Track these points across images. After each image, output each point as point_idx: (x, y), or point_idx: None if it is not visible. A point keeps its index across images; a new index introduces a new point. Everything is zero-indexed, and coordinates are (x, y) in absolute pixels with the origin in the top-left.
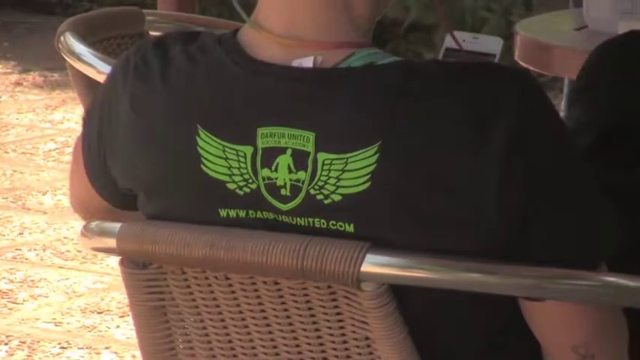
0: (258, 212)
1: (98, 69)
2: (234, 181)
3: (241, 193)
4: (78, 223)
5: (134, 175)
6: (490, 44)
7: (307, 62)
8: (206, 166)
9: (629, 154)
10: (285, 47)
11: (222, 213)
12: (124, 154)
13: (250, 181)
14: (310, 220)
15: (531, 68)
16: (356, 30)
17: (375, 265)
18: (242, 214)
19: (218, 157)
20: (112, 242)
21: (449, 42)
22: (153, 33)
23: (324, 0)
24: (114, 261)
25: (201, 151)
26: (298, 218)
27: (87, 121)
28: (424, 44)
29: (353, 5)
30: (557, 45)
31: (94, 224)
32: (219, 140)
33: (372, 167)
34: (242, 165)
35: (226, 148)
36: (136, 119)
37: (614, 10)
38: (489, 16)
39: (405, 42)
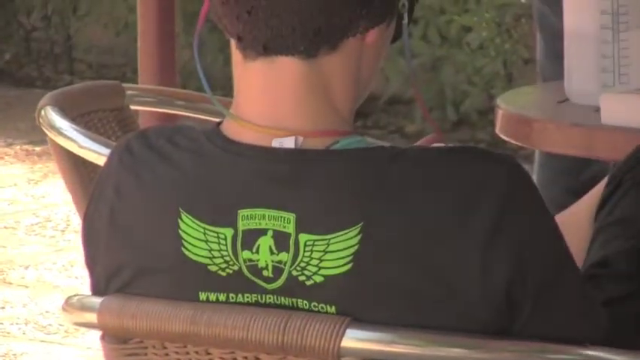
0: (239, 295)
1: (79, 143)
2: (215, 264)
3: (224, 274)
4: (60, 297)
5: (114, 259)
6: None
7: (288, 142)
8: (187, 249)
9: None
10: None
11: (202, 296)
12: (103, 239)
13: (231, 263)
14: (293, 300)
15: (512, 141)
16: (338, 118)
17: (355, 339)
18: (222, 297)
19: (199, 240)
20: (92, 317)
21: None
22: (133, 107)
23: (304, 90)
24: (96, 335)
25: (182, 234)
26: (282, 298)
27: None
28: (405, 117)
29: (334, 94)
30: (538, 118)
31: (75, 299)
32: (200, 223)
33: (355, 248)
34: (222, 247)
35: (207, 231)
36: (119, 204)
37: (596, 84)
38: (471, 90)
39: (386, 115)
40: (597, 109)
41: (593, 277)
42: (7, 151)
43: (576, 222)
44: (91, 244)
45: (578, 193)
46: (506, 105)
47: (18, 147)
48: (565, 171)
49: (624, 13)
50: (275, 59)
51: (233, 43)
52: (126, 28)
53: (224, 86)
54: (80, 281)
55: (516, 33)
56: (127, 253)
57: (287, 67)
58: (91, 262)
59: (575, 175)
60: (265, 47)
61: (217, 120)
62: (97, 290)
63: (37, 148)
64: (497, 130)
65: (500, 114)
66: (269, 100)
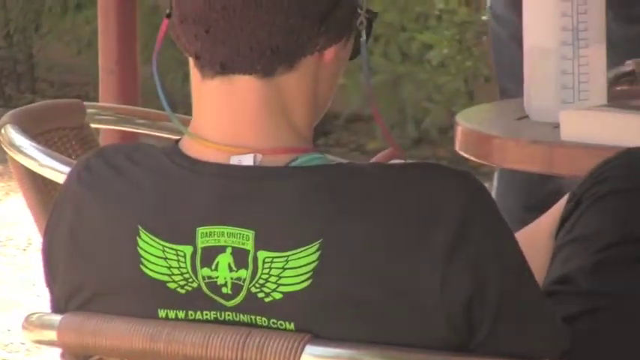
0: (198, 312)
1: (39, 161)
2: (174, 281)
3: (183, 291)
4: (22, 315)
5: (73, 277)
6: None
7: (247, 160)
8: (145, 267)
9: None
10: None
11: (162, 314)
12: (63, 257)
13: (190, 280)
14: (252, 317)
15: (472, 158)
16: (296, 136)
17: (314, 356)
18: (181, 314)
19: (158, 258)
20: (52, 335)
21: None
22: (93, 125)
23: (262, 109)
24: (58, 352)
25: (141, 252)
26: (241, 315)
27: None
28: (366, 134)
29: (292, 112)
30: (497, 135)
31: (35, 316)
32: (158, 240)
33: (314, 265)
34: (182, 265)
35: (166, 248)
36: (78, 222)
37: (555, 100)
38: (431, 107)
39: (347, 132)
40: (557, 126)
41: (553, 294)
42: None
43: (537, 239)
44: (50, 262)
45: (536, 209)
46: (466, 122)
47: None
48: (524, 186)
49: (584, 30)
50: (233, 78)
51: (191, 61)
52: (88, 46)
53: (184, 103)
54: (42, 299)
55: (477, 50)
56: (86, 271)
57: (244, 86)
58: (51, 280)
59: (534, 191)
60: (223, 66)
61: (177, 138)
62: (57, 308)
63: None
64: (457, 147)
65: (459, 131)
66: (227, 118)
